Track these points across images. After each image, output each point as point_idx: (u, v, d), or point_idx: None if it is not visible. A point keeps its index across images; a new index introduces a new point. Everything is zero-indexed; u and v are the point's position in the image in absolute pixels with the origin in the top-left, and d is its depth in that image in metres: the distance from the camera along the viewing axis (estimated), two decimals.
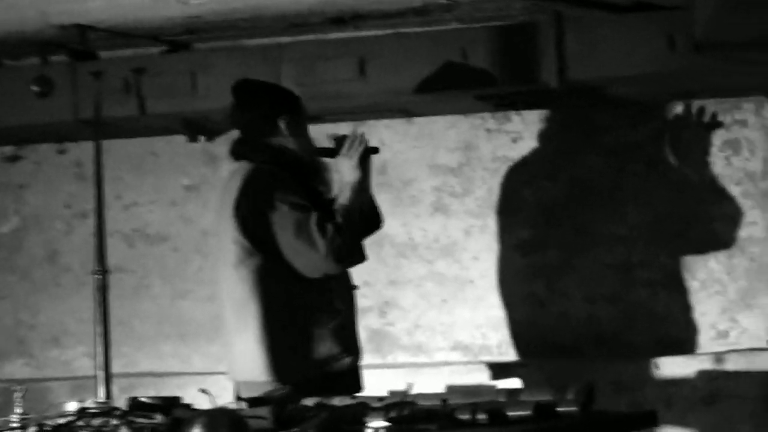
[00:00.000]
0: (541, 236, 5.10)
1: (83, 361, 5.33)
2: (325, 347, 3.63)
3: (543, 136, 5.12)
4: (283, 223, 3.54)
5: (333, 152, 3.66)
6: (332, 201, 3.66)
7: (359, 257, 3.62)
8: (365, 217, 3.69)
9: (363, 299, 4.22)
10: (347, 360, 3.70)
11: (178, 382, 5.03)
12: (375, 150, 3.69)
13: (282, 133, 3.73)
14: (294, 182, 3.63)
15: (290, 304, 3.63)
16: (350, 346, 3.74)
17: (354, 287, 3.83)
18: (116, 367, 4.65)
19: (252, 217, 3.59)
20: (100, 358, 4.54)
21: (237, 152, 3.76)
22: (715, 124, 4.87)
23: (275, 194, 3.55)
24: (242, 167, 3.68)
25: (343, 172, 3.62)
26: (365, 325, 4.71)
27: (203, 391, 3.19)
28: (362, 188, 3.64)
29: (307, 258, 3.53)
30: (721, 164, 5.01)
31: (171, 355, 5.41)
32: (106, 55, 4.97)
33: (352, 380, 3.76)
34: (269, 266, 3.60)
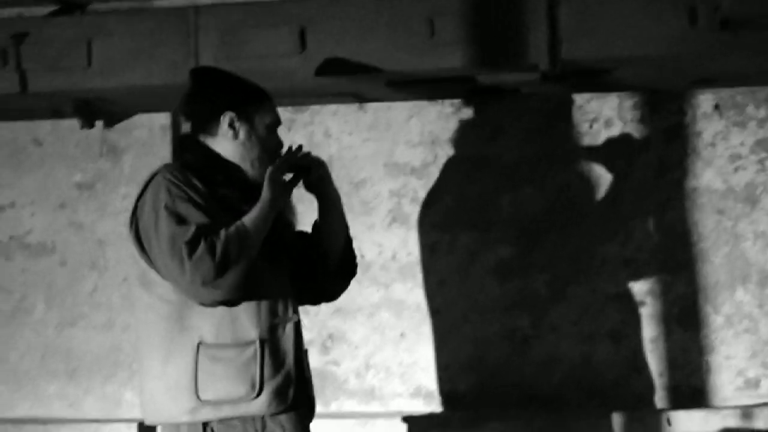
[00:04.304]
0: (524, 257, 4.85)
1: None
2: (231, 386, 3.31)
3: (529, 130, 4.86)
4: (159, 233, 3.27)
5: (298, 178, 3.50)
6: (289, 231, 3.51)
7: (232, 290, 3.24)
8: (331, 257, 3.57)
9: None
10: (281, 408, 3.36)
11: None
12: (306, 171, 3.47)
13: (222, 133, 3.42)
14: (209, 192, 3.33)
15: (201, 333, 3.33)
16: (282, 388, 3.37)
17: (290, 318, 3.46)
18: None
19: (144, 226, 3.36)
20: None
21: (174, 151, 3.72)
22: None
23: (167, 197, 3.29)
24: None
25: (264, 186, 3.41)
26: None
27: None
28: (274, 209, 3.38)
29: (178, 281, 3.26)
30: (753, 169, 4.77)
31: (57, 397, 5.08)
32: None
33: None
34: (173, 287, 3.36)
